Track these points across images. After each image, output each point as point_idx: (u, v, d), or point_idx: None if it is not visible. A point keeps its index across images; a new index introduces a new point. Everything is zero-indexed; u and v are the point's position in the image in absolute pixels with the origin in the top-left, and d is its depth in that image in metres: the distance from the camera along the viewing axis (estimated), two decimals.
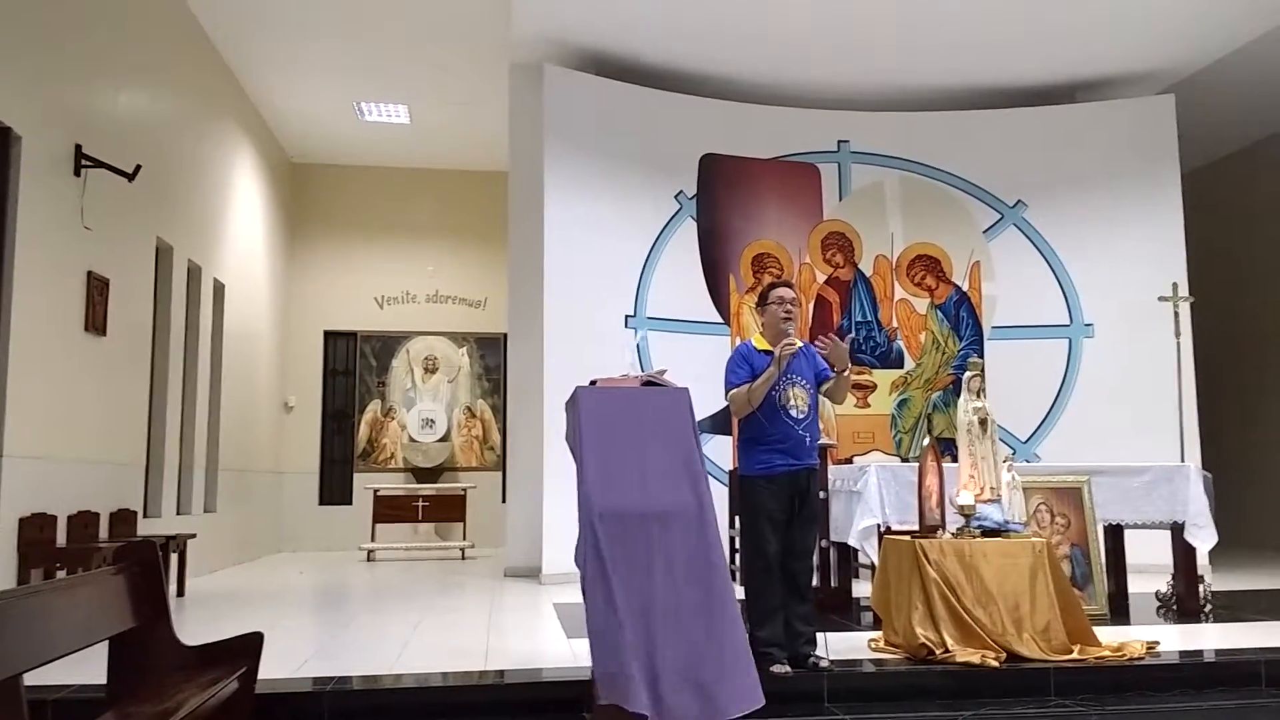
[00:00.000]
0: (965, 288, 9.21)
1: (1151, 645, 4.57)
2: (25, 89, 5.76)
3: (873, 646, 4.70)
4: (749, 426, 4.36)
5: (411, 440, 12.45)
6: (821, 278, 9.20)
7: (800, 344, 4.38)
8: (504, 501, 9.87)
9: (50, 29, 6.07)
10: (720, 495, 7.97)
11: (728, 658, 3.61)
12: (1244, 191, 11.78)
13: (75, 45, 6.40)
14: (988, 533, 4.71)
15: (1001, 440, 5.75)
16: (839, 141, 9.42)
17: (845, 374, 4.40)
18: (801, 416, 4.31)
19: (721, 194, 9.13)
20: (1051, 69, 9.17)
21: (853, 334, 9.05)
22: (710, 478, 7.95)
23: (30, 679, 2.38)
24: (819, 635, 4.33)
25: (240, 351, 10.17)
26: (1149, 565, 6.81)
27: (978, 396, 5.00)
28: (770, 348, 4.39)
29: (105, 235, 6.72)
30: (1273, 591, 7.21)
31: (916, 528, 4.91)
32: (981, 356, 8.82)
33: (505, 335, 9.65)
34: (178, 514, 8.34)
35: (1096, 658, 4.37)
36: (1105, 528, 6.17)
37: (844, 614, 5.97)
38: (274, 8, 8.65)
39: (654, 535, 3.73)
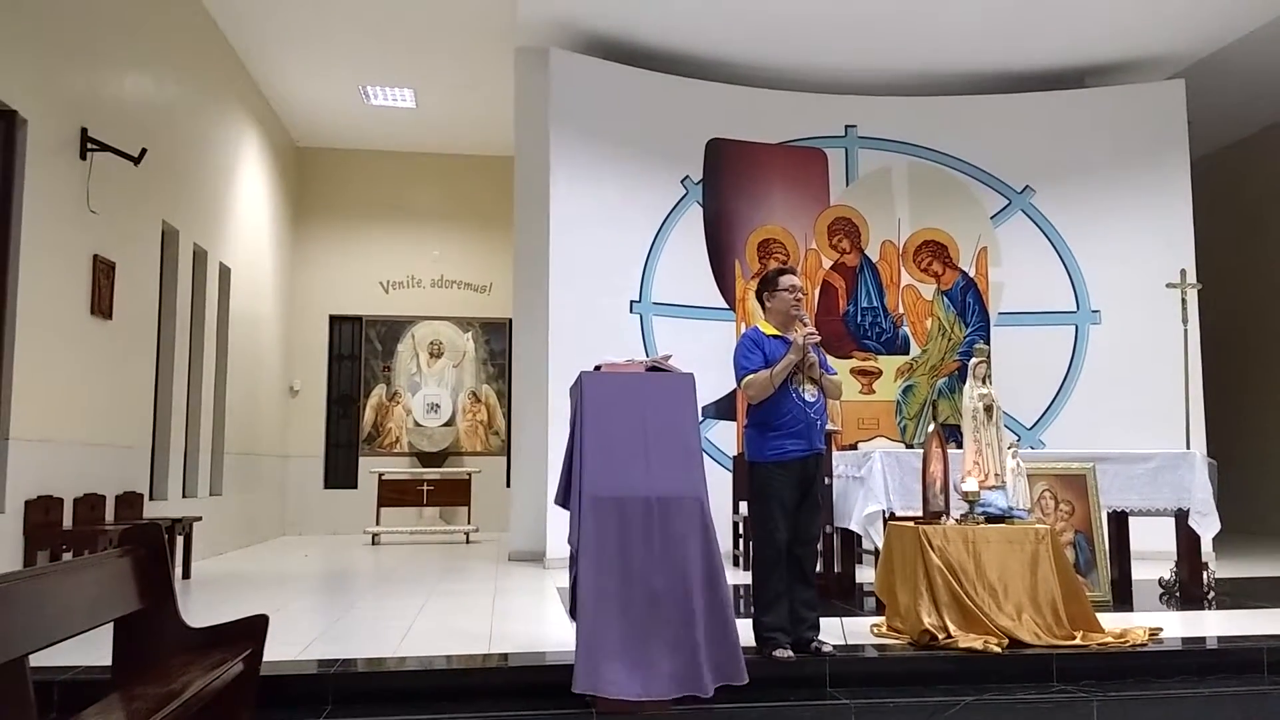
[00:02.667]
0: (972, 274, 9.18)
1: (1154, 632, 4.57)
2: (31, 73, 5.75)
3: (875, 632, 4.71)
4: (763, 411, 4.33)
5: (416, 424, 12.47)
6: (828, 263, 9.17)
7: (819, 335, 4.38)
8: (508, 486, 9.90)
9: (56, 12, 6.05)
10: (724, 480, 7.99)
11: (722, 635, 3.68)
12: (1253, 177, 11.71)
13: (81, 29, 6.39)
14: (992, 519, 4.70)
15: (1006, 427, 5.75)
16: (846, 126, 9.38)
17: (819, 378, 4.37)
18: (813, 400, 4.31)
19: (728, 179, 9.09)
20: (1061, 54, 9.11)
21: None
22: (714, 462, 7.96)
23: (36, 660, 2.39)
24: (833, 620, 4.33)
25: (246, 335, 10.19)
26: (1153, 552, 6.80)
27: (983, 383, 4.99)
28: (779, 333, 4.39)
29: (111, 219, 6.72)
30: (1276, 579, 7.21)
31: (920, 514, 4.91)
32: (987, 343, 8.80)
33: (510, 320, 9.66)
34: (184, 497, 8.38)
35: (1099, 644, 4.37)
36: (1109, 514, 6.16)
37: (847, 599, 5.98)
38: None
39: (655, 519, 3.74)
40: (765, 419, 4.33)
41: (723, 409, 8.56)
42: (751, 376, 4.31)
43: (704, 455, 4.05)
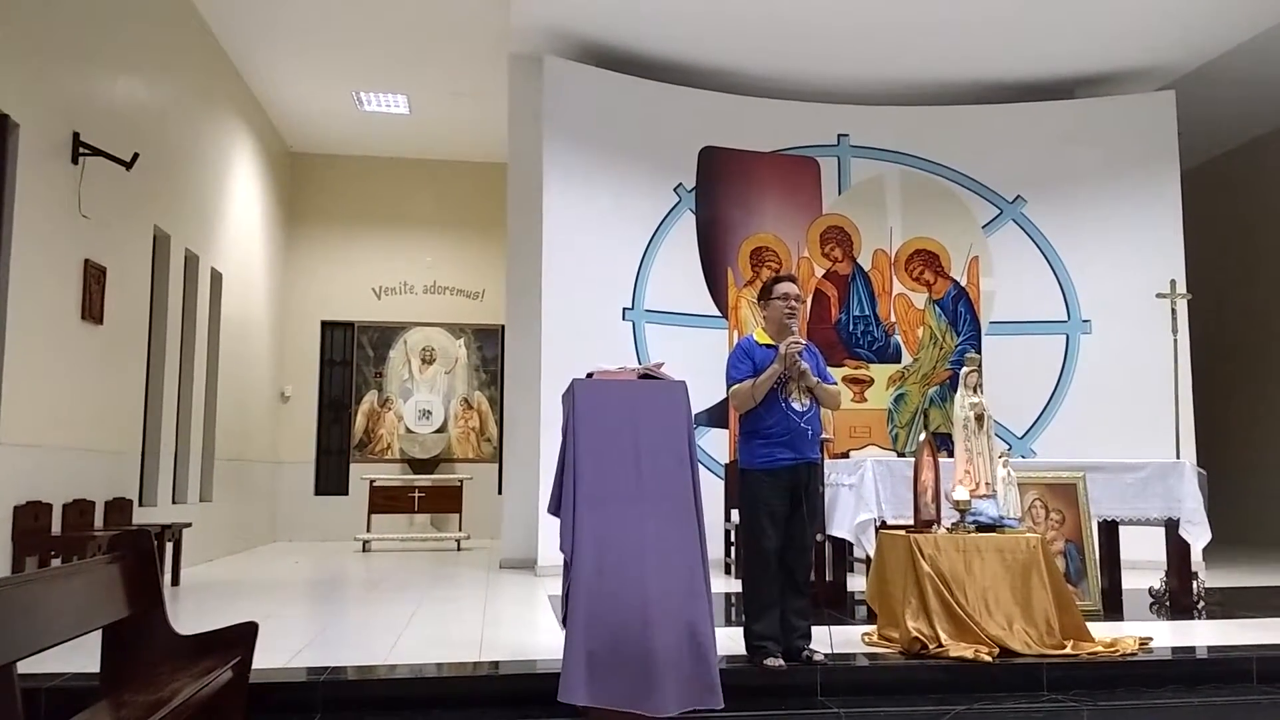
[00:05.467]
0: (963, 283, 9.21)
1: (1144, 641, 4.58)
2: (23, 76, 5.74)
3: (866, 640, 4.71)
4: (751, 419, 4.35)
5: (408, 431, 12.45)
6: (820, 272, 9.20)
7: (805, 342, 4.38)
8: (500, 493, 9.89)
9: (48, 16, 6.04)
10: (717, 488, 7.99)
11: (701, 650, 3.65)
12: (1243, 188, 11.78)
13: (73, 32, 6.38)
14: (983, 528, 4.71)
15: (997, 436, 5.76)
16: (839, 135, 9.41)
17: (813, 386, 4.35)
18: (803, 409, 4.30)
19: (721, 187, 9.11)
20: (1052, 64, 9.16)
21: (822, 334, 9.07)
22: (707, 470, 7.96)
23: (23, 667, 2.38)
24: (822, 629, 4.33)
25: (237, 341, 10.16)
26: (1143, 561, 6.83)
27: (974, 392, 5.01)
28: (772, 342, 4.39)
29: (102, 224, 6.70)
30: (1266, 588, 7.23)
31: (912, 522, 4.91)
32: (979, 352, 8.82)
33: (503, 327, 9.65)
34: (173, 503, 8.34)
35: (1089, 653, 4.38)
36: (1100, 524, 6.18)
37: (838, 608, 5.97)
38: None
39: (648, 527, 3.74)
40: (754, 427, 4.34)
41: (715, 417, 8.56)
42: (737, 386, 4.33)
43: (698, 463, 4.05)
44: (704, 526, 3.86)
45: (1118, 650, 4.41)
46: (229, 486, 9.88)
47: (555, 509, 4.08)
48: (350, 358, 12.63)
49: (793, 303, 4.40)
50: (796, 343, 4.27)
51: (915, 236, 9.30)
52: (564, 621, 3.98)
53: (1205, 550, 6.61)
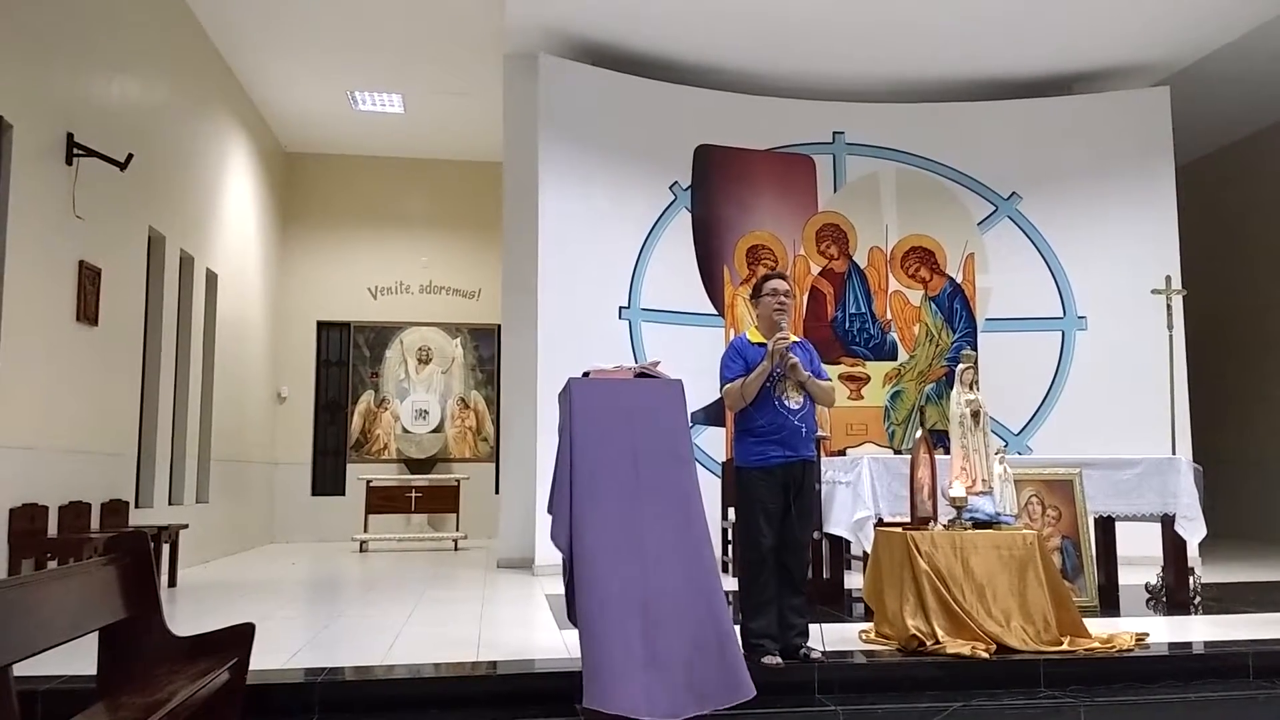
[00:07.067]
0: (959, 280, 9.21)
1: (1141, 637, 4.59)
2: (16, 77, 5.73)
3: (864, 638, 4.72)
4: (745, 418, 4.36)
5: (405, 431, 12.44)
6: (816, 269, 9.20)
7: (794, 338, 4.38)
8: (497, 493, 9.89)
9: (42, 16, 6.03)
10: (714, 487, 7.99)
11: (719, 647, 3.63)
12: (1238, 184, 11.80)
13: (67, 33, 6.37)
14: (979, 525, 4.72)
15: (994, 432, 5.76)
16: (834, 133, 9.41)
17: (804, 381, 4.34)
18: (797, 407, 4.31)
19: (717, 185, 9.11)
20: (1047, 61, 9.16)
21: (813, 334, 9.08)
22: (703, 469, 7.97)
23: (20, 669, 2.38)
24: (815, 626, 4.34)
25: (233, 341, 10.15)
26: (1139, 557, 6.84)
27: (970, 389, 5.01)
28: (765, 340, 4.39)
29: (97, 225, 6.69)
30: (1262, 583, 7.24)
31: (908, 519, 4.92)
32: (975, 349, 8.83)
33: (499, 326, 9.65)
34: (170, 504, 8.33)
35: (1086, 649, 4.39)
36: (1096, 520, 6.19)
37: (835, 605, 5.98)
38: None
39: (648, 526, 3.73)
40: (748, 425, 4.34)
41: (712, 415, 8.56)
42: (729, 385, 4.34)
43: (695, 462, 4.05)
44: (706, 524, 3.85)
45: (1114, 646, 4.42)
46: (225, 488, 9.87)
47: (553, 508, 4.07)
48: (346, 358, 12.62)
49: (782, 298, 4.40)
50: (783, 339, 4.27)
51: (911, 234, 9.29)
52: (570, 618, 3.95)
53: (1201, 546, 6.61)
